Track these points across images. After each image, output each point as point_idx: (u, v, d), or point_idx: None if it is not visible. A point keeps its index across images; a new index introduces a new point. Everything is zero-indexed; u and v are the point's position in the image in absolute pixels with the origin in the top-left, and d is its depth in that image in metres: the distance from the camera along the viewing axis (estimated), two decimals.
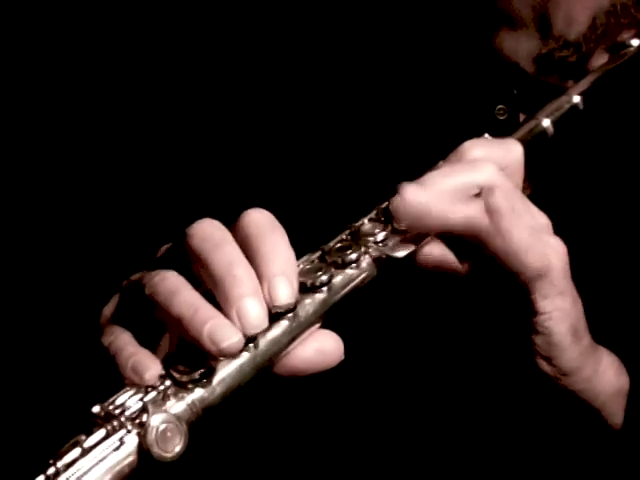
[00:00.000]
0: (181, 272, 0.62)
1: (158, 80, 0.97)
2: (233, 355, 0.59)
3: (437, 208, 0.67)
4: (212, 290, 0.60)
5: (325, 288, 0.64)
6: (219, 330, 0.57)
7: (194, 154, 0.94)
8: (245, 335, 0.58)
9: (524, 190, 0.75)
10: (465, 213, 0.68)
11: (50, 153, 0.98)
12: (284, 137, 0.93)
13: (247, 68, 0.95)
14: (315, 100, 0.94)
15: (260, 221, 0.62)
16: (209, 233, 0.61)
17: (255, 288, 0.59)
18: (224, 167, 0.93)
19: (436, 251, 0.70)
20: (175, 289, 0.60)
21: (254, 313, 0.58)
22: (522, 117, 0.93)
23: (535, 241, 0.69)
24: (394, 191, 0.71)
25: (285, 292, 0.60)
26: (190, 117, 0.95)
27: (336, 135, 0.93)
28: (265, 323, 0.59)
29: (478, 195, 0.70)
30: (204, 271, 0.60)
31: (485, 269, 0.70)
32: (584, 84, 0.85)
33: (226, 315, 0.59)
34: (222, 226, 0.62)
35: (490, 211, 0.68)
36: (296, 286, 0.61)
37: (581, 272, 0.75)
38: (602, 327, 0.78)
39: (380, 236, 0.68)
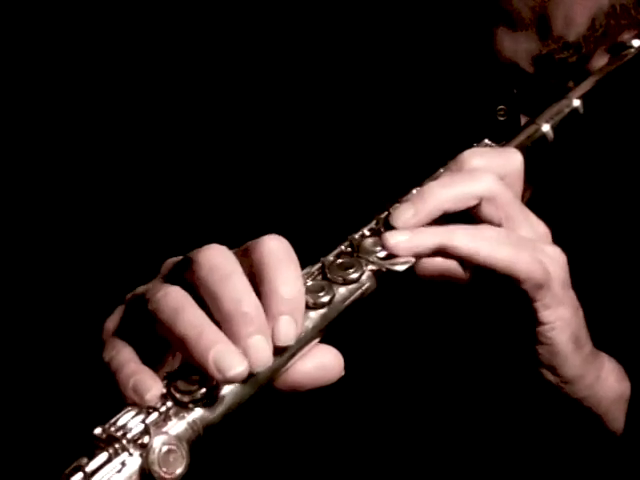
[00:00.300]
0: (186, 288, 0.61)
1: (161, 87, 0.96)
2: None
3: (420, 243, 0.68)
4: (219, 322, 0.59)
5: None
6: (226, 358, 0.57)
7: (197, 163, 0.94)
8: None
9: (525, 196, 0.75)
10: (441, 241, 0.68)
11: (54, 164, 0.98)
12: (286, 142, 0.93)
13: (249, 74, 0.95)
14: (316, 101, 0.93)
15: (276, 250, 0.61)
16: (217, 263, 0.60)
17: (263, 326, 0.59)
18: (227, 174, 0.93)
19: (437, 260, 0.70)
20: (179, 307, 0.60)
21: (261, 352, 0.58)
22: (522, 117, 0.93)
23: (525, 255, 0.69)
24: (394, 200, 0.71)
25: (290, 333, 0.60)
26: (193, 126, 0.94)
27: (338, 136, 0.93)
28: (270, 360, 0.59)
29: (478, 206, 0.71)
30: (212, 303, 0.60)
31: (486, 279, 0.70)
32: (584, 87, 0.84)
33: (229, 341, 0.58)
34: (230, 254, 0.61)
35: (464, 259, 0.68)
36: (301, 325, 0.61)
37: (581, 279, 0.75)
38: (603, 333, 0.78)
39: (380, 250, 0.68)
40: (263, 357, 0.58)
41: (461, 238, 0.68)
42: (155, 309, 0.61)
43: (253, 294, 0.60)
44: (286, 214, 0.87)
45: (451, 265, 0.70)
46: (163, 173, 0.94)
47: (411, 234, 0.68)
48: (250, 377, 0.59)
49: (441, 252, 0.68)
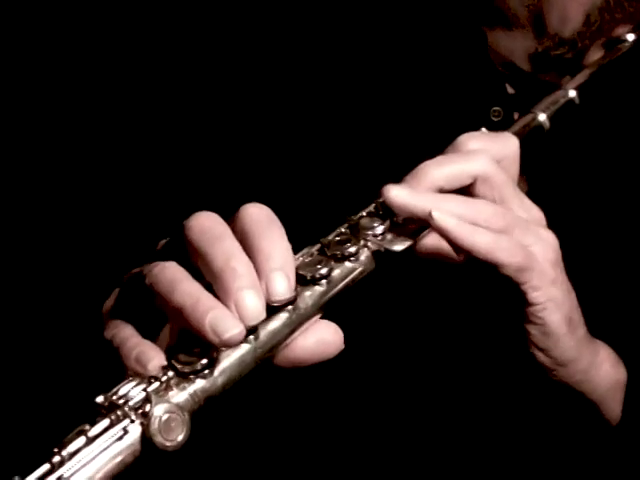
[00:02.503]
0: (181, 264, 0.62)
1: (157, 78, 0.97)
2: (235, 345, 0.59)
3: (422, 201, 0.69)
4: (211, 283, 0.60)
5: (324, 281, 0.65)
6: (221, 321, 0.58)
7: (192, 149, 0.95)
8: (246, 327, 0.59)
9: (521, 185, 0.76)
10: (446, 203, 0.69)
11: (49, 148, 0.99)
12: (283, 133, 0.93)
13: (245, 66, 0.96)
14: (313, 101, 0.94)
15: (258, 216, 0.63)
16: (208, 226, 0.62)
17: (253, 281, 0.60)
18: (222, 162, 0.93)
19: (431, 241, 0.71)
20: (176, 279, 0.61)
21: (252, 305, 0.59)
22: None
23: (502, 238, 0.70)
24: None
25: (282, 287, 0.61)
26: (188, 114, 0.95)
27: (331, 136, 0.93)
28: (263, 315, 0.60)
29: (472, 186, 0.72)
30: (203, 264, 0.61)
31: (479, 261, 0.71)
32: (580, 78, 0.86)
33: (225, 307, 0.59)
34: (220, 219, 0.63)
35: (440, 234, 0.69)
36: (293, 280, 0.62)
37: (576, 265, 0.75)
38: (598, 320, 0.78)
39: (379, 230, 0.69)
40: (255, 310, 0.59)
41: (447, 214, 0.68)
42: (153, 283, 0.62)
43: (243, 253, 0.61)
44: (285, 202, 0.88)
45: (446, 246, 0.71)
46: (159, 159, 0.94)
47: (413, 191, 0.69)
48: (250, 345, 0.60)
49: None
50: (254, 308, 0.59)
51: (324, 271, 0.64)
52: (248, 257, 0.61)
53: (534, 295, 0.72)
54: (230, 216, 0.65)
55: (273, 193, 0.89)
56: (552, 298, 0.72)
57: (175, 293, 0.60)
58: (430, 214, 0.68)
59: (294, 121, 0.94)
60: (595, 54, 0.90)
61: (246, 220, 0.63)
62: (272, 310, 0.62)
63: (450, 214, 0.68)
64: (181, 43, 0.97)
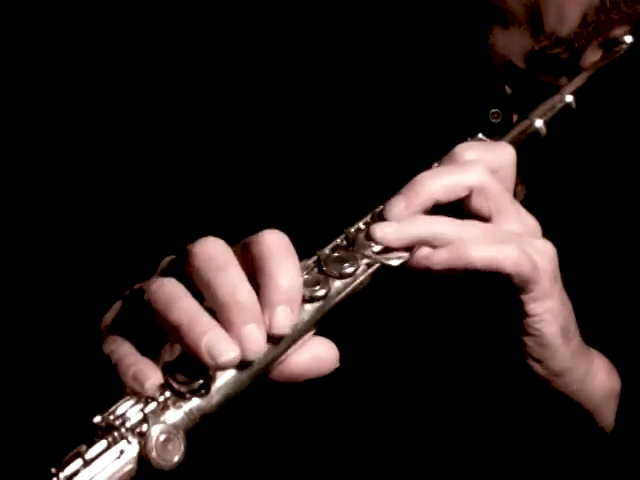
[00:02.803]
0: (183, 283, 0.62)
1: (160, 85, 0.97)
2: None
3: (407, 233, 0.69)
4: (215, 312, 0.60)
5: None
6: (218, 344, 0.58)
7: (193, 160, 0.94)
8: (245, 360, 0.59)
9: (519, 191, 0.76)
10: (433, 229, 0.69)
11: (54, 162, 0.98)
12: (281, 140, 0.93)
13: (246, 72, 0.95)
14: (310, 105, 0.94)
15: (276, 243, 0.62)
16: (212, 253, 0.61)
17: (257, 315, 0.60)
18: (224, 173, 0.93)
19: (425, 254, 0.71)
20: (173, 296, 0.61)
21: (255, 341, 0.59)
22: (516, 120, 0.93)
23: (511, 250, 0.70)
24: (388, 195, 0.72)
25: (285, 323, 0.60)
26: (191, 124, 0.95)
27: (330, 139, 0.93)
28: (264, 349, 0.60)
29: (468, 197, 0.71)
30: (207, 293, 0.61)
31: (476, 273, 0.71)
32: (576, 82, 0.85)
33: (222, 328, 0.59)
34: (226, 246, 0.62)
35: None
36: (297, 315, 0.62)
37: (572, 274, 0.75)
38: (593, 329, 0.79)
39: (375, 244, 0.69)
40: (256, 345, 0.59)
41: (445, 234, 0.69)
42: (151, 299, 0.62)
43: (248, 284, 0.60)
44: (282, 211, 0.88)
45: None
46: (160, 173, 0.94)
47: (397, 226, 0.69)
48: (245, 366, 0.60)
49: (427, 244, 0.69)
50: (256, 343, 0.59)
51: (322, 293, 0.65)
52: (257, 282, 0.61)
53: (532, 306, 0.72)
54: (231, 225, 0.64)
55: (272, 199, 0.89)
56: (549, 310, 0.72)
57: (172, 311, 0.60)
58: (423, 256, 0.68)
59: (293, 123, 0.93)
60: (592, 55, 0.89)
61: (264, 245, 0.62)
62: None
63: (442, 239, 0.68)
64: (185, 48, 0.96)
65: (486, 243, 0.69)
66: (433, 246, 0.69)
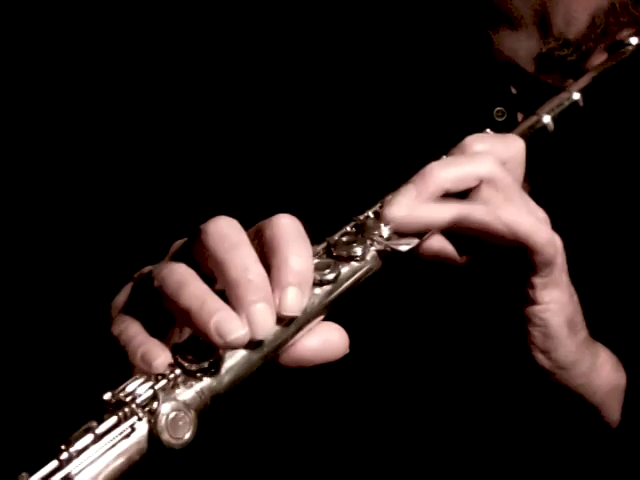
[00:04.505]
0: (193, 267, 0.62)
1: (162, 81, 0.97)
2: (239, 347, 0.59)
3: (420, 216, 0.69)
4: (225, 290, 0.60)
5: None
6: (226, 323, 0.58)
7: (201, 150, 0.94)
8: (253, 339, 0.59)
9: (523, 187, 0.76)
10: (451, 212, 0.70)
11: (63, 150, 0.99)
12: (288, 135, 0.93)
13: (249, 67, 0.96)
14: (318, 102, 0.94)
15: (289, 227, 0.62)
16: (226, 233, 0.61)
17: (267, 295, 0.59)
18: (230, 161, 0.93)
19: (435, 244, 0.71)
20: (183, 281, 0.61)
21: (264, 320, 0.59)
22: (520, 119, 0.93)
23: (544, 227, 0.71)
24: (397, 186, 0.72)
25: (296, 304, 0.60)
26: (195, 115, 0.95)
27: (337, 137, 0.93)
28: (273, 329, 0.59)
29: (477, 187, 0.72)
30: (218, 271, 0.61)
31: (485, 261, 0.71)
32: (584, 81, 0.86)
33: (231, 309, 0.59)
34: (239, 226, 0.62)
35: (485, 201, 0.69)
36: (307, 297, 0.62)
37: (579, 268, 0.76)
38: (599, 324, 0.79)
39: (384, 229, 0.69)
40: (266, 325, 0.59)
41: (479, 209, 0.69)
42: (161, 284, 0.62)
43: (260, 264, 0.60)
44: (291, 202, 0.88)
45: (449, 248, 0.72)
46: (169, 160, 0.94)
47: (413, 208, 0.69)
48: (256, 346, 0.60)
49: (455, 226, 0.70)
50: (265, 323, 0.59)
51: (331, 276, 0.65)
52: (269, 263, 0.61)
53: (540, 293, 0.72)
54: (240, 215, 0.64)
55: (280, 192, 0.90)
56: (556, 300, 0.73)
57: (182, 295, 0.60)
58: (470, 214, 0.69)
59: (299, 120, 0.94)
60: (599, 57, 0.90)
61: (277, 228, 0.62)
62: None
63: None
64: (186, 47, 0.97)
65: (522, 213, 0.69)
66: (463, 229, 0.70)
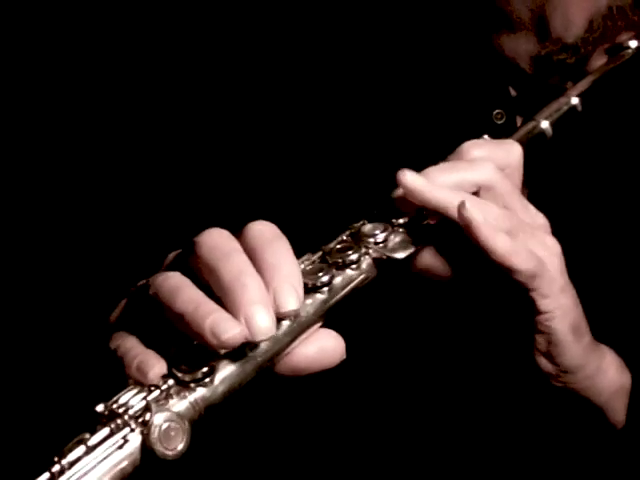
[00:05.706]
0: (189, 278, 0.62)
1: (160, 82, 0.97)
2: (234, 349, 0.59)
3: (435, 190, 0.70)
4: (221, 298, 0.60)
5: (326, 288, 0.65)
6: (220, 323, 0.58)
7: (196, 158, 0.94)
8: (254, 342, 0.59)
9: (522, 190, 0.76)
10: (459, 199, 0.69)
11: (59, 161, 0.98)
12: (284, 139, 0.93)
13: (249, 69, 0.96)
14: (314, 104, 0.94)
15: (263, 232, 0.63)
16: (218, 242, 0.62)
17: (263, 296, 0.59)
18: (226, 168, 0.93)
19: (427, 257, 0.71)
20: (178, 286, 0.61)
21: (263, 320, 0.58)
22: (519, 121, 0.93)
23: (519, 244, 0.70)
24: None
25: (291, 299, 0.60)
26: (192, 123, 0.95)
27: (334, 139, 0.93)
28: (273, 330, 0.59)
29: (476, 194, 0.71)
30: (213, 279, 0.61)
31: (485, 270, 0.71)
32: (582, 85, 0.86)
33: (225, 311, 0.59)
34: (231, 236, 0.63)
35: (464, 225, 0.69)
36: (301, 292, 0.62)
37: (579, 272, 0.75)
38: (602, 326, 0.78)
39: (380, 237, 0.69)
40: (264, 325, 0.58)
41: (472, 207, 0.68)
42: (156, 292, 0.62)
43: (253, 268, 0.61)
44: (288, 209, 0.88)
45: (438, 264, 0.72)
46: (163, 171, 0.94)
47: (428, 181, 0.69)
48: (251, 351, 0.60)
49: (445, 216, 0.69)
50: (264, 323, 0.58)
51: (325, 279, 0.64)
52: (257, 270, 0.61)
53: (543, 302, 0.72)
54: (236, 224, 0.64)
55: (276, 200, 0.89)
56: (560, 306, 0.72)
57: (177, 300, 0.60)
58: (463, 203, 0.68)
59: (296, 124, 0.94)
60: (598, 60, 0.90)
61: (252, 236, 0.63)
62: None
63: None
64: (186, 47, 0.96)
65: (496, 230, 0.69)
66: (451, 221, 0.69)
